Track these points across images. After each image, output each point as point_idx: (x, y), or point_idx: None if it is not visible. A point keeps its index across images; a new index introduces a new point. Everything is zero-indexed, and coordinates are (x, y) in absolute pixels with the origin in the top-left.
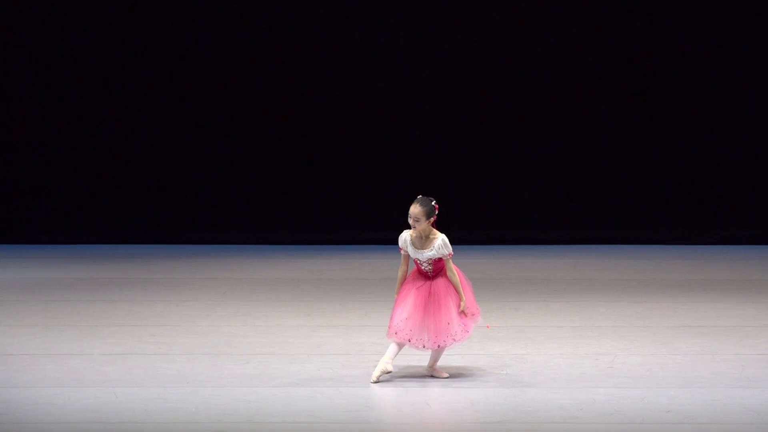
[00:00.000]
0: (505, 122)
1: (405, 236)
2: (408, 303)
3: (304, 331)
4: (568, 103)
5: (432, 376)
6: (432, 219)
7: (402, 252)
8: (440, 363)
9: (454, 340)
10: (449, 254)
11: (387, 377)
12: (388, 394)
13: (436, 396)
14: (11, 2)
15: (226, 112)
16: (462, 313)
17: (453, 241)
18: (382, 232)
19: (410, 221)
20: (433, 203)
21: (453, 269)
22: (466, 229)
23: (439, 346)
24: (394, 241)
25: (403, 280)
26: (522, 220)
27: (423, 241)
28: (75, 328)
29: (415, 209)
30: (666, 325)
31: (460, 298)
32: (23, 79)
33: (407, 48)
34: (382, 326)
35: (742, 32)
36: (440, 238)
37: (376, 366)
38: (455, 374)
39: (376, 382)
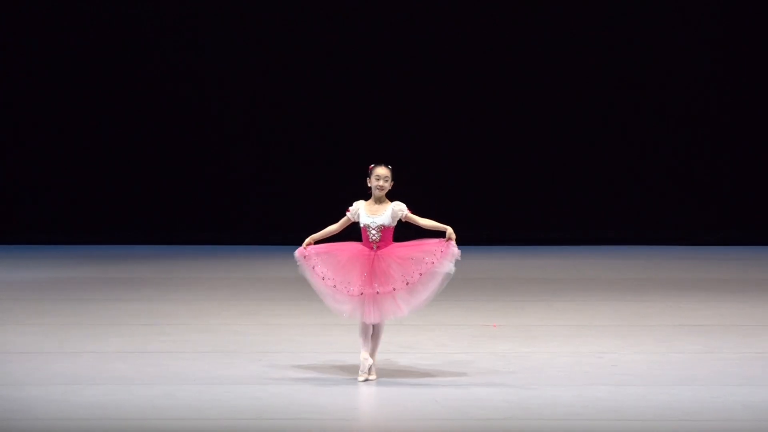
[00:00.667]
0: (506, 123)
1: (359, 205)
2: (353, 276)
3: (314, 330)
4: (569, 103)
5: (369, 370)
6: (393, 183)
7: (347, 215)
8: (442, 361)
9: (432, 263)
10: (408, 211)
11: (371, 372)
12: (396, 391)
13: (444, 393)
14: (12, 3)
15: (241, 112)
16: (449, 240)
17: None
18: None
19: (379, 182)
20: (390, 167)
21: (419, 218)
22: (468, 229)
23: (408, 283)
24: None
25: (328, 234)
26: (523, 220)
27: (376, 207)
28: (88, 326)
29: (383, 171)
30: (667, 324)
31: (417, 244)
32: (40, 79)
33: (409, 50)
34: (392, 324)
35: (741, 33)
36: (393, 204)
37: (361, 365)
38: (461, 372)
39: (365, 381)
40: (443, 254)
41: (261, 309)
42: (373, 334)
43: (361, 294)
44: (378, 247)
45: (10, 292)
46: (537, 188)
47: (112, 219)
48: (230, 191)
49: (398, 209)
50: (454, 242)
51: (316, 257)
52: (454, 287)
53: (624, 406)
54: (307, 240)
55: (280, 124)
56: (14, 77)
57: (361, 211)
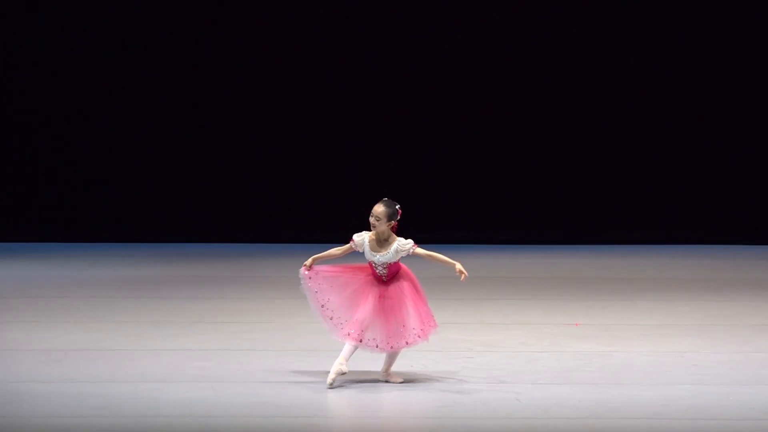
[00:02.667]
0: (590, 123)
1: (364, 237)
2: (363, 304)
3: None
4: (636, 102)
5: (387, 381)
6: (393, 223)
7: (351, 245)
8: (524, 360)
9: (407, 343)
10: (413, 246)
11: (342, 379)
12: (477, 389)
13: (525, 392)
14: (12, 4)
15: (296, 111)
16: (461, 272)
17: (538, 241)
18: (471, 231)
19: (371, 220)
20: (396, 207)
21: (427, 252)
22: (554, 228)
23: (392, 347)
24: (474, 240)
25: (329, 257)
26: (606, 220)
27: (381, 243)
28: (173, 324)
29: (378, 208)
30: (748, 324)
31: (418, 300)
32: (102, 75)
33: (425, 51)
34: (473, 323)
35: (759, 33)
36: (396, 243)
37: (384, 367)
38: (543, 371)
39: (331, 386)
40: (418, 336)
41: None
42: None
43: (348, 334)
44: (388, 279)
45: (94, 290)
46: (621, 188)
47: (195, 217)
48: (313, 190)
49: (403, 248)
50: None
51: (322, 281)
52: (537, 286)
53: (705, 405)
54: (310, 261)
55: (360, 124)
56: (85, 67)
57: (366, 245)
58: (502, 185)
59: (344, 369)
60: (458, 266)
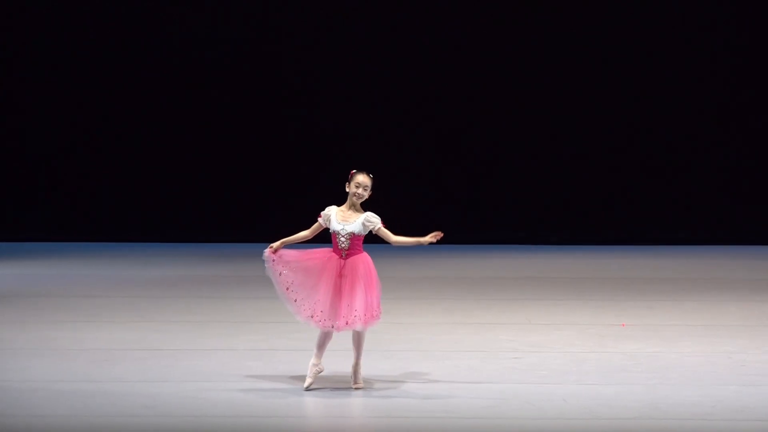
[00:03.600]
0: (638, 123)
1: (332, 209)
2: (317, 284)
3: (443, 328)
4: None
5: (355, 384)
6: (371, 192)
7: (319, 220)
8: (571, 360)
9: (347, 323)
10: (380, 223)
11: (321, 376)
12: (523, 390)
13: (572, 392)
14: (12, 5)
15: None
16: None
17: (585, 242)
18: (520, 232)
19: (359, 190)
20: (371, 176)
21: (391, 235)
22: (603, 230)
23: (347, 323)
24: (523, 241)
25: (297, 240)
26: (653, 220)
27: (350, 215)
28: (221, 324)
29: (365, 179)
30: None
31: (370, 286)
32: (139, 74)
33: (432, 52)
34: (520, 324)
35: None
36: (366, 213)
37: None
38: (590, 371)
39: (308, 388)
40: (362, 321)
41: (390, 308)
42: (354, 340)
43: (312, 317)
44: (347, 255)
45: (141, 290)
46: (669, 189)
47: (243, 217)
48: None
49: (371, 221)
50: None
51: (285, 264)
52: (585, 286)
53: (752, 406)
54: (277, 243)
55: (411, 121)
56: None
57: (333, 217)
58: (551, 186)
59: (319, 369)
60: (427, 238)
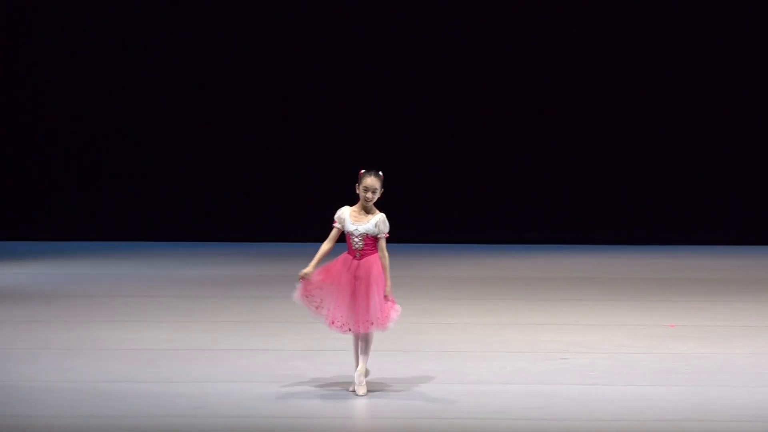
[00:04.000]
0: (684, 123)
1: (345, 211)
2: (336, 290)
3: (492, 329)
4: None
5: (353, 390)
6: (382, 190)
7: (335, 226)
8: (621, 361)
9: (365, 328)
10: (386, 234)
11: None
12: (571, 390)
13: (621, 393)
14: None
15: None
16: (386, 298)
17: (634, 242)
18: (567, 231)
19: (367, 194)
20: (381, 174)
21: (385, 250)
22: (646, 228)
23: (365, 326)
24: (570, 240)
25: (323, 256)
26: (705, 220)
27: (363, 215)
28: (268, 324)
29: (373, 181)
30: None
31: (384, 284)
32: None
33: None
34: (568, 324)
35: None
36: (381, 215)
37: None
38: (639, 372)
39: (364, 394)
40: (384, 319)
41: (439, 308)
42: (362, 341)
43: (333, 323)
44: (361, 255)
45: (187, 290)
46: (718, 188)
47: (288, 216)
48: (420, 193)
49: (382, 226)
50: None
51: (317, 294)
52: (634, 287)
53: None
54: (309, 269)
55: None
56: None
57: (347, 217)
58: (598, 185)
59: (365, 373)
60: (387, 289)
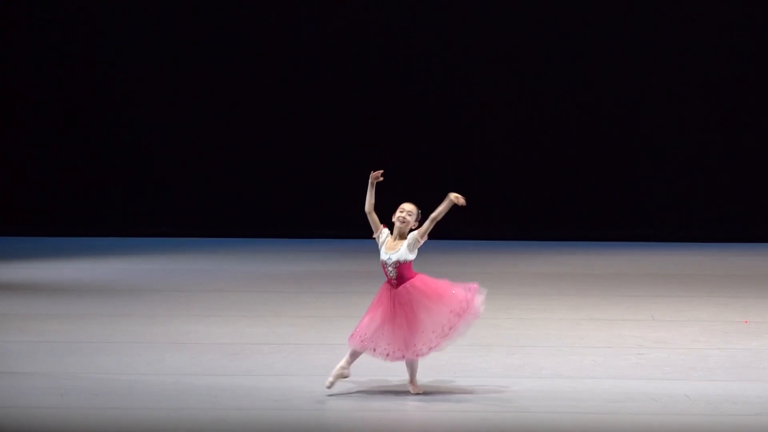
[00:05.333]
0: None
1: (384, 234)
2: (377, 313)
3: (568, 324)
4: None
5: (410, 392)
6: (416, 224)
7: (375, 234)
8: (695, 357)
9: (417, 355)
10: (416, 231)
11: (344, 381)
12: (647, 386)
13: (695, 389)
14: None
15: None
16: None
17: (710, 239)
18: (646, 228)
19: (402, 214)
20: (418, 210)
21: (428, 222)
22: (723, 225)
23: (402, 357)
24: (649, 238)
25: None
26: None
27: (398, 241)
28: (348, 318)
29: (409, 205)
30: None
31: (431, 309)
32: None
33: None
34: (645, 320)
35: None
36: (410, 236)
37: (412, 375)
38: (713, 368)
39: (330, 387)
40: (463, 316)
41: (517, 303)
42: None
43: (388, 355)
44: (398, 283)
45: (270, 285)
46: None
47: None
48: (483, 184)
49: (411, 239)
50: (476, 300)
51: (370, 338)
52: (708, 283)
53: None
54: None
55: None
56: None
57: (384, 243)
58: (676, 183)
59: (347, 373)
60: (451, 197)
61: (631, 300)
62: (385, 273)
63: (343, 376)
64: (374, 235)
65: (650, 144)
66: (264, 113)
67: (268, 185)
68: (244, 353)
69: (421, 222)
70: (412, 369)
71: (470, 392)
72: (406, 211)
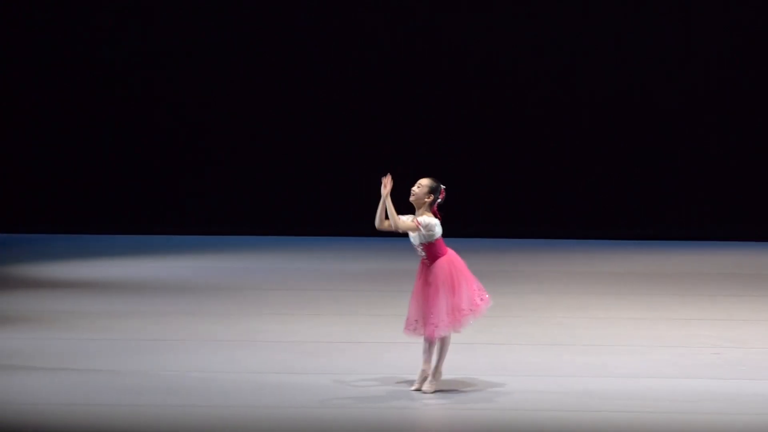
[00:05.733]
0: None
1: (410, 217)
2: (415, 298)
3: (643, 324)
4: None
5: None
6: (431, 197)
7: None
8: None
9: (427, 332)
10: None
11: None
12: (722, 385)
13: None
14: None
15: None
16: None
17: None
18: (724, 226)
19: (413, 188)
20: (441, 186)
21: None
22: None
23: (431, 331)
24: (727, 237)
25: (382, 215)
26: None
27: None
28: None
29: (424, 179)
30: None
31: (454, 287)
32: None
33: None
34: (721, 320)
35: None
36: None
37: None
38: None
39: (419, 391)
40: (474, 312)
41: (591, 302)
42: (436, 345)
43: (410, 329)
44: (431, 262)
45: (347, 284)
46: None
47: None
48: (555, 182)
49: (426, 229)
50: (484, 305)
51: (413, 317)
52: None
53: None
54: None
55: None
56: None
57: (411, 234)
58: (745, 180)
59: (426, 374)
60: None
61: (706, 299)
62: (418, 254)
63: (425, 376)
64: (412, 233)
65: (721, 142)
66: (328, 110)
67: (339, 184)
68: (319, 352)
69: (441, 197)
70: (438, 355)
71: (544, 391)
72: (417, 183)
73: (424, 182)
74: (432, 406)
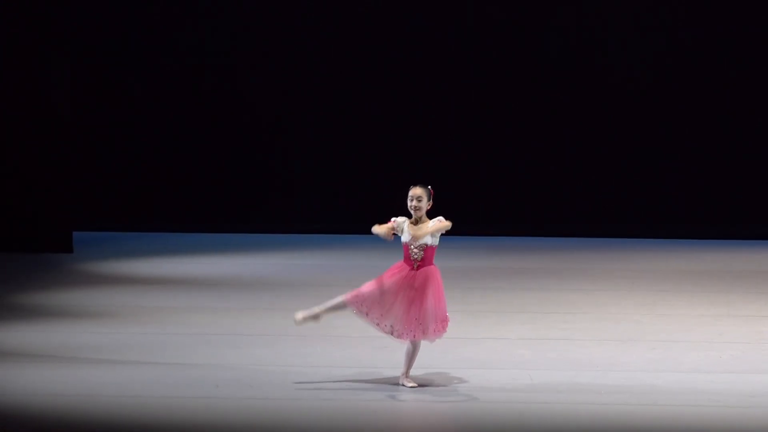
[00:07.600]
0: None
1: (405, 221)
2: (391, 300)
3: (707, 320)
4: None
5: (402, 384)
6: (430, 203)
7: (393, 225)
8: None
9: (414, 336)
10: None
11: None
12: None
13: None
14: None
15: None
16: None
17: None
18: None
19: (412, 203)
20: (429, 188)
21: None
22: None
23: (405, 337)
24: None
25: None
26: None
27: (420, 227)
28: (494, 313)
29: (417, 190)
30: None
31: (439, 299)
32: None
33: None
34: (752, 315)
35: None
36: (432, 221)
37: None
38: None
39: (299, 323)
40: (435, 332)
41: (657, 299)
42: (408, 351)
43: (392, 333)
44: (419, 266)
45: None
46: None
47: (521, 210)
48: (636, 185)
49: (435, 230)
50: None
51: (365, 304)
52: None
53: None
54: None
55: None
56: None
57: (405, 229)
58: None
59: (319, 320)
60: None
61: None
62: (406, 255)
63: (315, 319)
64: (394, 226)
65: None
66: (370, 110)
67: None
68: (393, 347)
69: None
70: (410, 361)
71: (609, 386)
72: (416, 197)
73: (421, 193)
74: (503, 403)
